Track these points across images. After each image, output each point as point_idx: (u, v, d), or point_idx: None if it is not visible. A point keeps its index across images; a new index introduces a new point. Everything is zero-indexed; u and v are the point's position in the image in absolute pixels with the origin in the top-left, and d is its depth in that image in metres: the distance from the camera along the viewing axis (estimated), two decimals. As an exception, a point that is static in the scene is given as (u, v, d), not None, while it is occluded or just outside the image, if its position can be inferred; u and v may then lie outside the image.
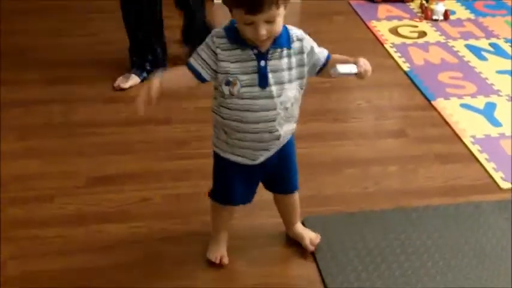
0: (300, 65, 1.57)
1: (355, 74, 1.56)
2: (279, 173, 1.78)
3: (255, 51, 1.52)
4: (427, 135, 2.53)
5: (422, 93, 2.80)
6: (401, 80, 2.92)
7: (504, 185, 2.24)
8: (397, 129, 2.57)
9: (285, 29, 1.55)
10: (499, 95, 2.80)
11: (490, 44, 3.26)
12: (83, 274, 1.82)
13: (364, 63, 1.56)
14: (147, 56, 2.82)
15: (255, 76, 1.53)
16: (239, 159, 1.67)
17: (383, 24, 3.46)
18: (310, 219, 2.02)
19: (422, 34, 3.36)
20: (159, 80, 1.53)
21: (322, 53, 1.61)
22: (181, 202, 2.11)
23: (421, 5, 3.61)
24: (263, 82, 1.54)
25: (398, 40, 3.28)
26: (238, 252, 1.91)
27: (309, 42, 1.59)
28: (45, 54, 2.98)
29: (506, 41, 3.29)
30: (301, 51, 1.57)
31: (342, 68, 1.54)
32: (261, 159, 1.67)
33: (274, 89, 1.55)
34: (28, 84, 2.75)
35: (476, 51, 3.18)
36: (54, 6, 3.49)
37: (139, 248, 1.92)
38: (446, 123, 2.60)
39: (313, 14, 3.40)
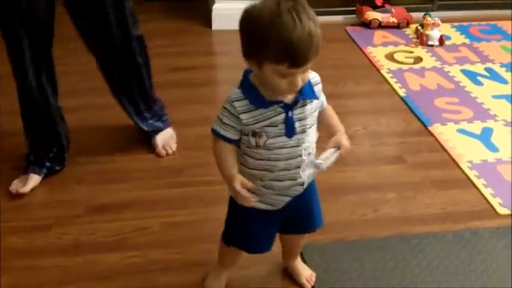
0: (317, 107, 1.54)
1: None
2: (299, 213, 1.69)
3: (281, 104, 1.46)
4: (424, 161, 2.53)
5: (418, 119, 2.81)
6: (398, 106, 2.93)
7: (502, 210, 2.24)
8: (394, 155, 2.57)
9: None
10: (495, 120, 2.81)
11: (486, 69, 3.27)
12: (80, 305, 1.81)
13: (346, 144, 1.56)
14: (50, 149, 2.36)
15: (282, 127, 1.48)
16: (261, 206, 1.60)
17: (379, 50, 3.47)
18: (309, 247, 2.01)
19: (418, 60, 3.38)
20: (237, 176, 1.50)
21: (323, 96, 1.58)
22: (179, 231, 2.10)
23: (417, 31, 3.64)
24: (290, 132, 1.49)
25: (394, 66, 3.29)
26: (239, 281, 1.90)
27: (320, 84, 1.54)
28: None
29: (502, 65, 3.31)
30: (319, 95, 1.54)
31: (326, 163, 1.51)
32: (283, 204, 1.62)
33: (300, 137, 1.51)
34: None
35: (472, 76, 3.20)
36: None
37: (136, 279, 1.90)
38: (443, 148, 2.60)
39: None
